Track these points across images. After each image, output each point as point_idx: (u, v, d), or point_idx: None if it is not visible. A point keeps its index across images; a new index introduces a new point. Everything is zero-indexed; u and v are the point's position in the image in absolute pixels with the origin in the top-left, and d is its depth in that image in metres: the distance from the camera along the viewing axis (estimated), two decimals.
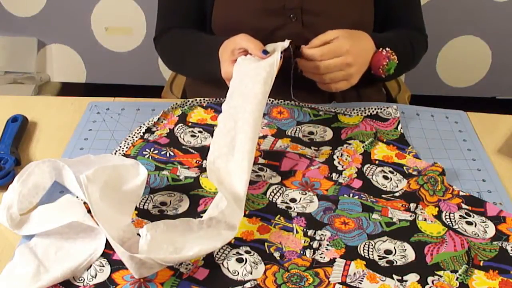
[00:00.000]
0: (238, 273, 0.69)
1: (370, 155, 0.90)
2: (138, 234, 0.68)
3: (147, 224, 0.68)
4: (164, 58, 1.16)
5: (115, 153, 0.89)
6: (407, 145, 0.92)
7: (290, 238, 0.74)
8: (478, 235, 0.76)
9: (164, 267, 0.68)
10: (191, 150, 0.90)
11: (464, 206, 0.80)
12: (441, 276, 0.69)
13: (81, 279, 0.68)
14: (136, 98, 1.06)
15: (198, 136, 0.93)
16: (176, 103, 1.00)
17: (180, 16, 1.11)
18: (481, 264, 0.71)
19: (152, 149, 0.89)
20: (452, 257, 0.72)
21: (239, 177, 0.76)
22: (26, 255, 0.69)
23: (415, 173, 0.86)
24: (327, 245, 0.73)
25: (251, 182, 0.82)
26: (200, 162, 0.87)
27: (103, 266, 0.69)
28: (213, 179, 0.76)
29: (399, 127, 0.96)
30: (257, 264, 0.70)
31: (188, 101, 1.00)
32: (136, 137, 0.93)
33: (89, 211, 0.73)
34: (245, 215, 0.77)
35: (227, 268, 0.69)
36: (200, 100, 1.01)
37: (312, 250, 0.72)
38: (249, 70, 0.84)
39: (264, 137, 0.93)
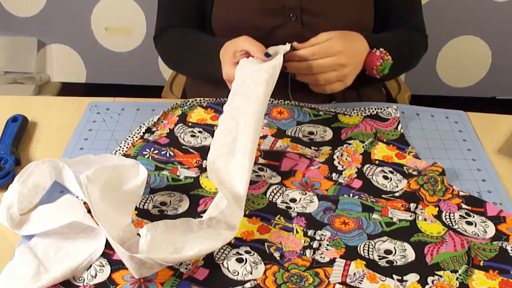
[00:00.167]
0: (238, 273, 0.69)
1: (370, 155, 0.90)
2: (138, 234, 0.68)
3: (147, 224, 0.68)
4: (164, 57, 1.16)
5: (115, 153, 0.89)
6: (407, 145, 0.92)
7: (290, 238, 0.74)
8: (478, 235, 0.76)
9: (164, 267, 0.68)
10: (191, 150, 0.90)
11: (464, 206, 0.80)
12: (441, 276, 0.69)
13: (81, 279, 0.68)
14: (136, 98, 1.06)
15: (198, 136, 0.93)
16: (176, 103, 1.00)
17: (180, 15, 1.11)
18: (481, 264, 0.71)
19: (152, 149, 0.89)
20: (452, 257, 0.72)
21: (240, 177, 0.76)
22: (26, 255, 0.69)
23: (415, 173, 0.86)
24: (327, 245, 0.73)
25: (251, 182, 0.82)
26: (200, 162, 0.87)
27: (103, 266, 0.69)
28: (213, 179, 0.76)
29: (399, 127, 0.96)
30: (257, 264, 0.70)
31: (188, 101, 1.00)
32: (136, 137, 0.93)
33: (89, 211, 0.73)
34: (245, 215, 0.77)
35: (227, 268, 0.69)
36: (200, 100, 1.01)
37: (312, 250, 0.72)
38: (252, 72, 0.84)
39: (264, 137, 0.93)
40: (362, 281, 0.68)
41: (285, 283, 0.68)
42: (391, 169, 0.87)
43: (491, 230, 0.76)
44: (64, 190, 0.82)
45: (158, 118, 0.96)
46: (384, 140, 0.93)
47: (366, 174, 0.86)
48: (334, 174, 0.85)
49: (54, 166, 0.81)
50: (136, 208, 0.77)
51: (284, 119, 0.97)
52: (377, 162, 0.88)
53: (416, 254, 0.72)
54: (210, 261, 0.70)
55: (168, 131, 0.94)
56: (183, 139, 0.92)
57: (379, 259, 0.71)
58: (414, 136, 0.96)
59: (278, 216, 0.77)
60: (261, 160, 0.88)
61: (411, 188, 0.83)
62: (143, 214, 0.77)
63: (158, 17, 1.15)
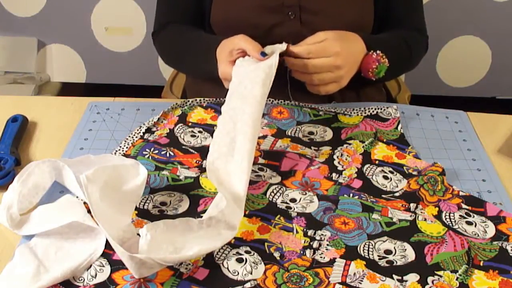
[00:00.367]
0: (238, 273, 0.69)
1: (370, 155, 0.90)
2: (138, 234, 0.68)
3: (147, 224, 0.68)
4: (162, 53, 1.17)
5: (115, 153, 0.89)
6: (407, 145, 0.92)
7: (290, 238, 0.74)
8: (478, 235, 0.76)
9: (164, 267, 0.68)
10: (191, 150, 0.90)
11: (464, 206, 0.80)
12: (441, 276, 0.69)
13: (81, 279, 0.68)
14: (136, 98, 1.06)
15: (198, 136, 0.93)
16: (176, 103, 1.00)
17: (179, 12, 1.12)
18: (481, 264, 0.71)
19: (152, 149, 0.89)
20: (452, 257, 0.72)
21: (239, 177, 0.76)
22: (26, 255, 0.69)
23: (415, 173, 0.86)
24: (327, 245, 0.73)
25: (251, 182, 0.82)
26: (200, 162, 0.87)
27: (103, 266, 0.69)
28: (212, 179, 0.76)
29: (399, 127, 0.96)
30: (257, 264, 0.70)
31: (188, 101, 1.00)
32: (136, 137, 0.93)
33: (89, 211, 0.73)
34: (245, 215, 0.77)
35: (227, 268, 0.69)
36: (200, 100, 1.01)
37: (312, 250, 0.72)
38: (248, 71, 0.84)
39: (264, 137, 0.93)
40: (362, 281, 0.68)
41: (285, 283, 0.68)
42: (391, 169, 0.87)
43: (491, 230, 0.76)
44: (64, 190, 0.82)
45: (158, 118, 0.96)
46: (384, 140, 0.93)
47: (366, 174, 0.86)
48: (334, 174, 0.85)
49: (54, 166, 0.81)
50: (136, 208, 0.77)
51: (284, 119, 0.97)
52: (377, 162, 0.88)
53: (416, 254, 0.72)
54: (210, 261, 0.70)
55: (168, 131, 0.94)
56: (183, 139, 0.92)
57: (379, 259, 0.71)
58: (414, 136, 0.96)
59: (278, 216, 0.77)
60: (261, 160, 0.88)
61: (411, 188, 0.83)
62: (143, 214, 0.77)
63: (157, 14, 1.16)
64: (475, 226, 0.77)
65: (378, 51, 0.94)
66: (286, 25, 1.03)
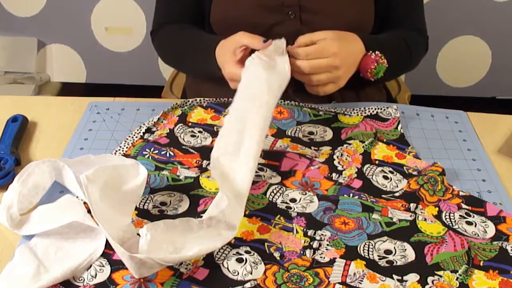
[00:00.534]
0: (238, 273, 0.69)
1: (370, 155, 0.90)
2: (138, 234, 0.68)
3: (147, 224, 0.68)
4: (160, 52, 1.17)
5: (115, 153, 0.89)
6: (407, 145, 0.92)
7: (290, 238, 0.74)
8: (478, 235, 0.76)
9: (164, 267, 0.68)
10: (191, 150, 0.90)
11: (464, 206, 0.80)
12: (441, 276, 0.69)
13: (81, 279, 0.68)
14: (136, 98, 1.06)
15: (198, 136, 0.93)
16: (176, 103, 1.00)
17: (178, 11, 1.12)
18: (481, 264, 0.71)
19: (152, 149, 0.89)
20: (452, 257, 0.72)
21: (243, 176, 0.76)
22: (26, 255, 0.69)
23: (415, 173, 0.86)
24: (327, 245, 0.73)
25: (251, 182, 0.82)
26: (200, 162, 0.87)
27: (103, 266, 0.69)
28: (215, 175, 0.76)
29: (399, 127, 0.96)
30: (257, 264, 0.70)
31: (188, 101, 1.00)
32: (136, 137, 0.93)
33: (89, 211, 0.73)
34: (245, 215, 0.77)
35: (227, 268, 0.69)
36: (200, 100, 1.01)
37: (312, 250, 0.72)
38: (260, 73, 0.84)
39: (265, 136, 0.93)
40: (362, 281, 0.68)
41: (285, 283, 0.68)
42: (391, 169, 0.87)
43: (491, 230, 0.76)
44: (64, 190, 0.82)
45: (158, 118, 0.96)
46: (384, 140, 0.93)
47: (366, 174, 0.86)
48: (334, 174, 0.85)
49: (54, 166, 0.81)
50: (136, 208, 0.77)
51: (284, 119, 0.97)
52: (377, 162, 0.88)
53: (416, 254, 0.72)
54: (210, 261, 0.70)
55: (168, 131, 0.94)
56: (183, 139, 0.92)
57: (379, 259, 0.71)
58: (414, 136, 0.96)
59: (278, 216, 0.77)
60: (261, 160, 0.88)
61: (411, 188, 0.83)
62: (143, 214, 0.77)
63: (156, 13, 1.16)
64: (475, 226, 0.77)
65: (376, 52, 0.94)
66: (286, 24, 1.03)
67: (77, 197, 0.79)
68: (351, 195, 0.81)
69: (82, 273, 0.68)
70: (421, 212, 0.79)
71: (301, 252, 0.72)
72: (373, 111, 0.99)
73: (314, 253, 0.72)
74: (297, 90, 0.99)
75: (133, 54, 2.25)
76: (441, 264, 0.71)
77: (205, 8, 1.08)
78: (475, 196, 0.82)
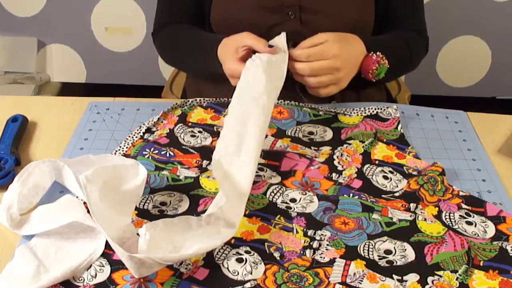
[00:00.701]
0: (238, 273, 0.69)
1: (370, 155, 0.90)
2: (138, 234, 0.68)
3: (146, 223, 0.68)
4: (161, 52, 1.17)
5: (115, 153, 0.89)
6: (407, 145, 0.92)
7: (290, 238, 0.74)
8: (478, 235, 0.76)
9: (164, 266, 0.68)
10: (191, 150, 0.90)
11: (464, 206, 0.80)
12: (441, 276, 0.69)
13: (81, 279, 0.68)
14: (136, 98, 1.06)
15: (198, 136, 0.93)
16: (176, 103, 1.00)
17: (179, 12, 1.12)
18: (481, 264, 0.71)
19: (152, 149, 0.89)
20: (452, 257, 0.72)
21: (244, 176, 0.76)
22: (26, 255, 0.69)
23: (415, 173, 0.86)
24: (327, 245, 0.73)
25: None
26: (200, 162, 0.87)
27: (103, 266, 0.69)
28: (217, 175, 0.76)
29: (399, 127, 0.96)
30: (257, 264, 0.70)
31: (188, 101, 1.00)
32: (136, 137, 0.93)
33: (89, 211, 0.73)
34: (245, 215, 0.77)
35: (227, 268, 0.69)
36: (200, 100, 1.01)
37: (312, 250, 0.72)
38: (260, 74, 0.85)
39: (264, 137, 0.93)
40: (362, 281, 0.68)
41: (285, 283, 0.68)
42: (391, 169, 0.87)
43: (491, 230, 0.76)
44: (64, 190, 0.82)
45: (158, 118, 0.96)
46: (384, 140, 0.93)
47: (366, 174, 0.86)
48: (334, 174, 0.85)
49: (54, 166, 0.81)
50: (136, 208, 0.77)
51: (284, 119, 0.97)
52: (377, 162, 0.88)
53: (416, 254, 0.72)
54: (210, 261, 0.70)
55: (168, 131, 0.94)
56: (183, 139, 0.92)
57: (379, 259, 0.71)
58: (414, 136, 0.96)
59: (278, 216, 0.77)
60: (261, 160, 0.88)
61: (411, 188, 0.83)
62: (143, 214, 0.77)
63: (157, 13, 1.16)
64: (475, 226, 0.77)
65: (378, 53, 0.94)
66: (286, 25, 1.03)
67: (77, 197, 0.79)
68: (351, 195, 0.81)
69: (82, 273, 0.68)
70: (421, 212, 0.79)
71: (301, 252, 0.72)
72: (373, 111, 0.99)
73: (314, 253, 0.72)
74: (304, 89, 0.99)
75: (133, 54, 2.24)
76: (441, 264, 0.71)
77: (205, 8, 1.08)
78: (475, 196, 0.82)
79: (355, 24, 1.02)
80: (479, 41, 2.17)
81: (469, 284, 0.68)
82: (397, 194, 0.82)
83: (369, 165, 0.87)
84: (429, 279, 0.69)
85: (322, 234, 0.75)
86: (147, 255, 0.64)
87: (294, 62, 0.91)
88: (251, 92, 0.84)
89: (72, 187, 0.80)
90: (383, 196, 0.82)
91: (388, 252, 0.72)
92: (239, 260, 0.70)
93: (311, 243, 0.73)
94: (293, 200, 0.80)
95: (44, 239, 0.72)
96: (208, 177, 0.84)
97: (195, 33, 1.08)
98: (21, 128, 0.93)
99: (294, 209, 0.79)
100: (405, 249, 0.73)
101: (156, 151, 0.89)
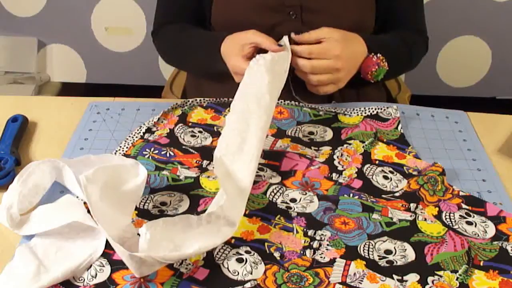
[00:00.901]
0: (238, 273, 0.69)
1: (370, 155, 0.90)
2: (138, 234, 0.68)
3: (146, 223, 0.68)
4: (162, 51, 1.17)
5: (115, 153, 0.89)
6: (407, 145, 0.92)
7: (290, 238, 0.74)
8: (478, 235, 0.76)
9: (164, 265, 0.68)
10: (191, 150, 0.90)
11: (464, 206, 0.80)
12: (441, 276, 0.69)
13: (81, 279, 0.68)
14: (136, 98, 1.06)
15: (198, 136, 0.93)
16: (176, 103, 1.00)
17: (179, 11, 1.12)
18: (481, 264, 0.71)
19: (152, 149, 0.89)
20: (452, 257, 0.72)
21: (245, 174, 0.76)
22: (26, 255, 0.69)
23: (415, 173, 0.86)
24: (327, 245, 0.73)
25: None
26: (200, 162, 0.87)
27: (103, 266, 0.69)
28: (219, 174, 0.76)
29: (399, 127, 0.96)
30: (257, 264, 0.70)
31: (188, 101, 1.00)
32: (136, 137, 0.93)
33: (89, 211, 0.73)
34: (245, 215, 0.77)
35: (227, 268, 0.69)
36: (200, 100, 1.01)
37: (312, 250, 0.72)
38: (262, 75, 0.86)
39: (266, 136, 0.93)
40: (362, 281, 0.68)
41: (285, 283, 0.68)
42: (391, 169, 0.87)
43: (491, 230, 0.76)
44: (64, 190, 0.82)
45: (158, 118, 0.96)
46: (384, 140, 0.93)
47: (366, 174, 0.86)
48: (334, 174, 0.85)
49: (54, 166, 0.81)
50: (136, 208, 0.77)
51: (284, 119, 0.97)
52: (377, 162, 0.88)
53: (416, 254, 0.72)
54: (210, 261, 0.70)
55: (168, 131, 0.94)
56: (183, 139, 0.92)
57: (379, 259, 0.71)
58: (414, 136, 0.96)
59: (278, 216, 0.77)
60: (261, 160, 0.88)
61: (411, 188, 0.83)
62: (143, 214, 0.77)
63: (156, 13, 1.16)
64: (475, 226, 0.77)
65: (378, 54, 0.95)
66: (287, 24, 1.03)
67: (77, 197, 0.79)
68: (351, 195, 0.81)
69: (82, 273, 0.68)
70: (421, 212, 0.79)
71: (301, 252, 0.72)
72: (373, 111, 0.99)
73: (314, 253, 0.72)
74: (298, 89, 0.99)
75: (133, 54, 2.24)
76: (441, 264, 0.71)
77: (206, 8, 1.08)
78: (475, 196, 0.82)
79: (356, 23, 1.02)
80: (479, 41, 2.17)
81: (469, 284, 0.68)
82: (397, 194, 0.82)
83: (369, 165, 0.87)
84: (429, 279, 0.69)
85: (322, 234, 0.75)
86: (148, 254, 0.64)
87: (296, 58, 0.91)
88: (254, 91, 0.84)
89: (72, 187, 0.80)
90: (383, 196, 0.82)
91: (388, 252, 0.72)
92: (239, 260, 0.70)
93: (311, 243, 0.73)
94: (293, 200, 0.80)
95: (44, 239, 0.72)
96: (208, 177, 0.84)
97: (197, 31, 1.08)
98: (21, 128, 0.93)
99: (294, 209, 0.79)
100: (405, 249, 0.73)
101: (156, 151, 0.89)
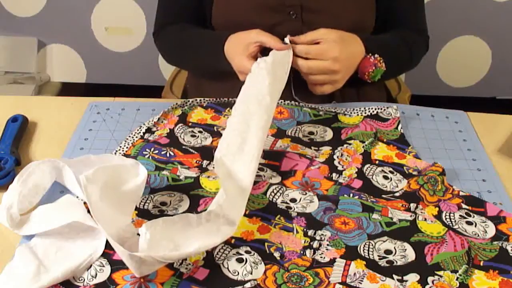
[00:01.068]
0: (238, 273, 0.69)
1: (370, 155, 0.90)
2: (138, 234, 0.68)
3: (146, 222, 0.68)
4: (164, 52, 1.17)
5: (115, 153, 0.89)
6: (407, 145, 0.92)
7: (290, 238, 0.74)
8: (478, 235, 0.76)
9: (164, 264, 0.68)
10: (191, 150, 0.90)
11: (464, 206, 0.80)
12: (441, 276, 0.69)
13: (81, 279, 0.68)
14: (136, 98, 1.06)
15: (198, 136, 0.93)
16: (176, 103, 1.00)
17: (180, 12, 1.12)
18: (481, 264, 0.71)
19: (152, 149, 0.89)
20: (452, 257, 0.72)
21: (246, 174, 0.76)
22: (26, 255, 0.69)
23: (415, 173, 0.86)
24: (327, 245, 0.73)
25: None
26: (200, 162, 0.87)
27: (103, 266, 0.69)
28: (219, 172, 0.76)
29: (399, 127, 0.96)
30: (257, 264, 0.70)
31: (188, 101, 1.00)
32: (136, 137, 0.93)
33: (89, 211, 0.73)
34: (245, 215, 0.77)
35: (227, 268, 0.69)
36: (200, 100, 1.01)
37: (312, 250, 0.72)
38: (263, 78, 0.86)
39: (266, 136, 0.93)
40: (362, 281, 0.68)
41: (285, 283, 0.68)
42: (391, 169, 0.87)
43: (491, 230, 0.76)
44: (64, 190, 0.82)
45: (158, 118, 0.96)
46: (384, 140, 0.93)
47: (366, 174, 0.86)
48: (334, 174, 0.85)
49: (54, 166, 0.81)
50: (136, 208, 0.77)
51: (284, 119, 0.97)
52: (377, 162, 0.88)
53: (416, 254, 0.72)
54: (210, 261, 0.70)
55: (168, 131, 0.94)
56: (183, 139, 0.92)
57: (379, 259, 0.71)
58: (414, 136, 0.96)
59: (278, 216, 0.77)
60: (261, 160, 0.88)
61: (411, 188, 0.83)
62: (143, 214, 0.77)
63: (157, 14, 1.16)
64: (475, 226, 0.77)
65: (376, 55, 0.95)
66: (288, 24, 1.03)
67: (77, 197, 0.79)
68: (351, 195, 0.81)
69: (82, 273, 0.68)
70: (421, 212, 0.79)
71: (301, 252, 0.72)
72: (373, 111, 0.99)
73: (314, 253, 0.72)
74: (297, 89, 0.99)
75: (133, 54, 2.25)
76: (441, 264, 0.71)
77: (206, 8, 1.08)
78: (475, 196, 0.82)
79: (356, 23, 1.02)
80: (479, 41, 2.17)
81: (469, 284, 0.68)
82: (397, 194, 0.82)
83: (369, 165, 0.87)
84: (429, 279, 0.69)
85: (322, 234, 0.75)
86: (148, 253, 0.64)
87: (294, 57, 0.92)
88: (254, 93, 0.85)
89: (72, 187, 0.80)
90: (383, 196, 0.82)
91: (388, 252, 0.72)
92: (239, 260, 0.70)
93: (311, 243, 0.73)
94: (293, 200, 0.80)
95: (44, 239, 0.72)
96: (208, 177, 0.84)
97: (199, 31, 1.08)
98: (21, 128, 0.93)
99: (294, 209, 0.79)
100: (405, 249, 0.73)
101: (156, 151, 0.89)
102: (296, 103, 1.00)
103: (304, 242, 0.73)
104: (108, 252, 0.71)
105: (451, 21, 2.12)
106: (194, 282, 0.67)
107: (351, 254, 0.72)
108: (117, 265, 0.69)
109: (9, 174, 0.82)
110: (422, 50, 1.14)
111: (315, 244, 0.73)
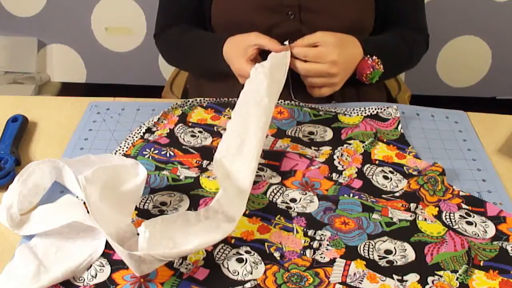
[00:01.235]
0: (238, 273, 0.69)
1: (370, 155, 0.90)
2: (138, 234, 0.68)
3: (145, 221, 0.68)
4: (165, 54, 1.18)
5: (115, 153, 0.89)
6: (407, 145, 0.92)
7: (290, 238, 0.74)
8: (478, 235, 0.76)
9: (164, 262, 0.68)
10: (191, 150, 0.90)
11: (464, 206, 0.80)
12: (441, 276, 0.69)
13: (81, 279, 0.68)
14: (136, 98, 1.06)
15: (198, 136, 0.93)
16: (176, 103, 1.00)
17: (180, 13, 1.13)
18: (481, 264, 0.71)
19: (152, 149, 0.89)
20: (452, 257, 0.72)
21: (246, 174, 0.76)
22: (26, 255, 0.69)
23: (415, 173, 0.86)
24: (327, 245, 0.73)
25: None
26: (200, 162, 0.87)
27: (103, 266, 0.69)
28: (218, 173, 0.76)
29: (399, 127, 0.96)
30: (257, 264, 0.70)
31: (188, 101, 1.00)
32: (136, 137, 0.93)
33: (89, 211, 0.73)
34: (245, 215, 0.77)
35: (227, 268, 0.69)
36: (200, 100, 1.01)
37: (312, 250, 0.72)
38: (261, 81, 0.86)
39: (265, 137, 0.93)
40: (362, 281, 0.68)
41: (285, 283, 0.68)
42: (391, 169, 0.87)
43: (491, 230, 0.76)
44: (64, 190, 0.82)
45: (158, 118, 0.96)
46: (384, 140, 0.93)
47: (366, 174, 0.86)
48: (334, 174, 0.85)
49: (54, 166, 0.81)
50: (136, 208, 0.77)
51: (284, 119, 0.97)
52: (377, 162, 0.88)
53: (416, 254, 0.72)
54: (210, 261, 0.70)
55: (168, 131, 0.94)
56: (183, 139, 0.92)
57: (379, 259, 0.71)
58: (414, 136, 0.96)
59: (278, 216, 0.77)
60: (261, 160, 0.88)
61: (411, 188, 0.83)
62: (143, 214, 0.77)
63: (158, 15, 1.17)
64: (475, 226, 0.77)
65: (374, 57, 0.96)
66: (286, 24, 1.03)
67: (77, 197, 0.79)
68: (351, 195, 0.81)
69: (82, 273, 0.68)
70: (421, 212, 0.79)
71: (301, 252, 0.72)
72: (373, 111, 0.99)
73: (314, 253, 0.72)
74: (296, 89, 0.99)
75: (133, 54, 2.25)
76: (441, 264, 0.71)
77: (206, 9, 1.08)
78: (475, 196, 0.82)
79: (355, 23, 1.02)
80: (479, 41, 2.18)
81: (469, 284, 0.68)
82: (397, 194, 0.82)
83: (369, 165, 0.87)
84: (429, 279, 0.69)
85: (322, 234, 0.75)
86: (147, 252, 0.64)
87: (293, 59, 0.92)
88: (253, 97, 0.85)
89: (72, 187, 0.80)
90: (383, 196, 0.82)
91: (388, 252, 0.72)
92: (239, 260, 0.70)
93: (311, 243, 0.73)
94: (293, 200, 0.80)
95: (44, 239, 0.72)
96: (208, 177, 0.84)
97: (199, 33, 1.09)
98: (21, 128, 0.93)
99: (294, 209, 0.79)
100: (405, 249, 0.73)
101: (156, 151, 0.89)
102: (296, 103, 1.00)
103: (304, 242, 0.73)
104: (108, 252, 0.71)
105: (451, 21, 2.12)
106: (194, 282, 0.67)
107: (351, 254, 0.72)
108: (117, 265, 0.69)
109: (9, 174, 0.82)
110: (422, 49, 1.14)
111: (315, 244, 0.73)
